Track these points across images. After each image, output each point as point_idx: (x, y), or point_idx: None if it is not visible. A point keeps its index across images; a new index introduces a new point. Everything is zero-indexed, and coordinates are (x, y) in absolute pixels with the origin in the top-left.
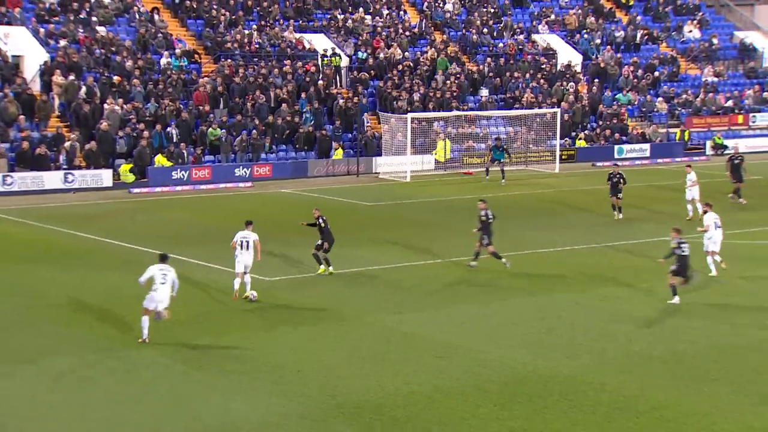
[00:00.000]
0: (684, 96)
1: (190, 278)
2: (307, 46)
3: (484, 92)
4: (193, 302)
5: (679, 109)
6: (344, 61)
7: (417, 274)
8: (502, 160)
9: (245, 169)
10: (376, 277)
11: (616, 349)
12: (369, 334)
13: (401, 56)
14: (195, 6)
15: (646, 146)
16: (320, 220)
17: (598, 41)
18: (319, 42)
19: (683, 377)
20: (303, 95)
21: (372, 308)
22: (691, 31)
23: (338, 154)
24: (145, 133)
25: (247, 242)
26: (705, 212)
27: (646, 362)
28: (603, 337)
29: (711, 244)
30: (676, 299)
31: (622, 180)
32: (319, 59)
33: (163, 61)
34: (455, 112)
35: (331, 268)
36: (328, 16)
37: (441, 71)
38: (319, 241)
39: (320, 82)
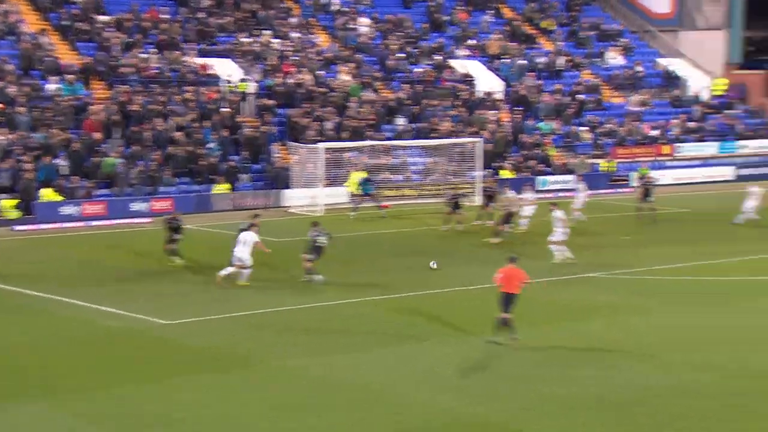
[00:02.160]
0: (608, 125)
1: (86, 321)
2: (212, 71)
3: (401, 121)
4: (82, 350)
5: (603, 138)
6: (251, 88)
7: (331, 314)
8: (372, 193)
9: (143, 204)
10: (286, 319)
11: (538, 393)
12: (277, 381)
13: (312, 82)
14: (86, 28)
15: (570, 178)
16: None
17: (522, 64)
18: (224, 67)
19: (611, 423)
20: (207, 123)
21: (281, 352)
22: (614, 58)
23: (225, 186)
24: (29, 165)
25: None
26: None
27: (569, 408)
28: (525, 381)
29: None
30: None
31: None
32: (224, 85)
33: (51, 86)
34: (370, 142)
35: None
36: (233, 40)
37: (355, 98)
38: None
39: (225, 109)
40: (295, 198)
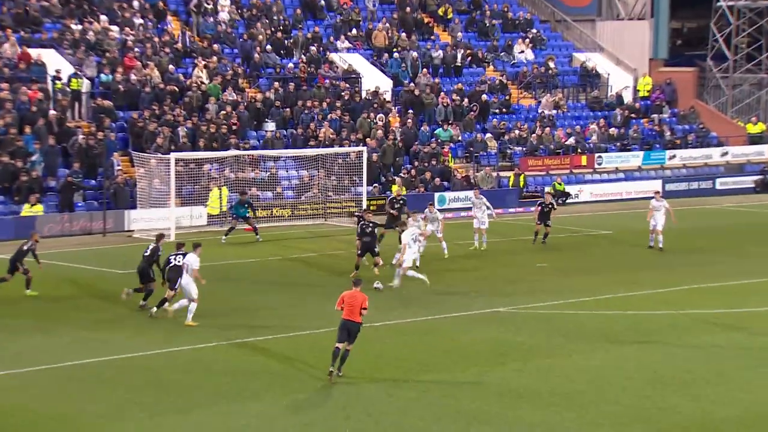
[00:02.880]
0: (516, 131)
1: None
2: (35, 65)
3: (270, 126)
4: None
5: (512, 147)
6: (85, 85)
7: (182, 360)
8: (247, 216)
9: None
10: (126, 368)
11: None
12: None
13: (161, 79)
14: None
15: (471, 194)
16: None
17: (415, 59)
18: (50, 60)
19: None
20: (28, 129)
21: (117, 412)
22: (522, 52)
23: (37, 208)
24: None
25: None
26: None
27: None
28: None
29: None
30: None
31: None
32: (50, 83)
33: None
34: (233, 152)
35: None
36: (61, 28)
37: (213, 99)
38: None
39: (52, 112)
40: (140, 220)
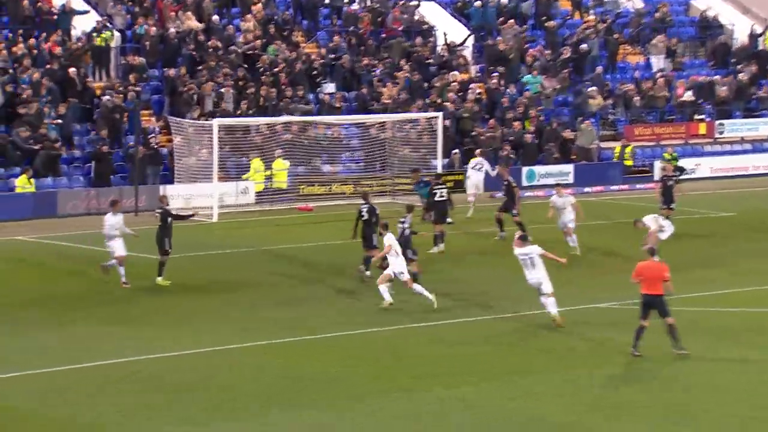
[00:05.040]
0: (621, 92)
1: None
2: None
3: (330, 88)
4: None
5: (614, 113)
6: (114, 39)
7: (216, 365)
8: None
9: None
10: (144, 372)
11: None
12: None
13: (202, 32)
14: None
15: (569, 168)
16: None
17: (500, 7)
18: (75, 8)
19: None
20: (44, 92)
21: (136, 420)
22: None
23: (22, 180)
24: None
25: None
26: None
27: None
28: None
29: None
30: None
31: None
32: (73, 35)
33: None
34: (286, 118)
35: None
36: None
37: (265, 56)
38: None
39: (72, 70)
40: (178, 197)
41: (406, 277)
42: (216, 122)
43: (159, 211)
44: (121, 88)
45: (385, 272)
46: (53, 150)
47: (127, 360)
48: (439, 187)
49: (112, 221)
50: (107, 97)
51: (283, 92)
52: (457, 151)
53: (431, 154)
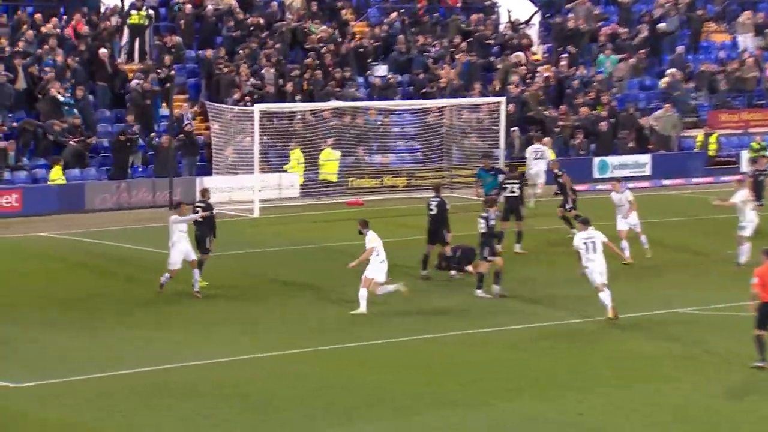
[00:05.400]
0: (704, 69)
1: None
2: None
3: (381, 70)
4: None
5: (696, 97)
6: (147, 18)
7: (255, 374)
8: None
9: None
10: (178, 381)
11: None
12: None
13: (241, 9)
14: None
15: (645, 159)
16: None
17: None
18: None
19: None
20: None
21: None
22: None
23: (57, 172)
24: None
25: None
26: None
27: None
28: None
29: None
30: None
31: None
32: (111, 13)
33: None
34: (336, 103)
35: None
36: None
37: (312, 36)
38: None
39: (104, 51)
40: (216, 190)
41: (381, 280)
42: (257, 108)
43: (200, 205)
44: (157, 71)
45: (366, 275)
46: (84, 139)
47: (160, 368)
48: (512, 182)
49: (181, 226)
50: (137, 81)
51: (331, 75)
52: (516, 129)
53: (493, 144)
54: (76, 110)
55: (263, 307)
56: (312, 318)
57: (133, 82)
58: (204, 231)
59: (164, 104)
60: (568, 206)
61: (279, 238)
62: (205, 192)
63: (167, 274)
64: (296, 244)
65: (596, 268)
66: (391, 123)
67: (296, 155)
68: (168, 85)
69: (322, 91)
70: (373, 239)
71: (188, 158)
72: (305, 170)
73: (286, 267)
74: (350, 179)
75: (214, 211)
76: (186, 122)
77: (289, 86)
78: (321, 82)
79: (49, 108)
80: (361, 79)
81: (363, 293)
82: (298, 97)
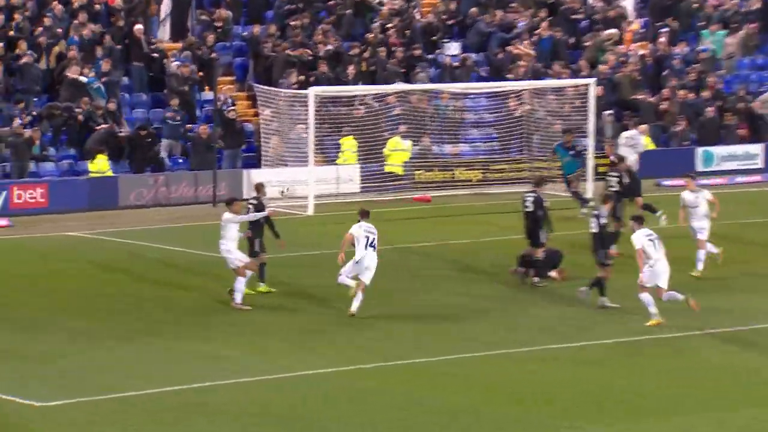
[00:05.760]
0: None
1: None
2: None
3: (453, 48)
4: None
5: None
6: None
7: (310, 392)
8: (575, 172)
9: None
10: (222, 399)
11: None
12: None
13: None
14: None
15: (757, 149)
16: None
17: None
18: None
19: None
20: (100, 50)
21: None
22: None
23: (100, 164)
24: None
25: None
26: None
27: None
28: None
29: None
30: None
31: None
32: None
33: None
34: (401, 86)
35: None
36: None
37: (384, 11)
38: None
39: (139, 27)
40: (266, 184)
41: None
42: (313, 92)
43: (253, 202)
44: (199, 50)
45: (345, 268)
46: (114, 126)
47: (202, 385)
48: (614, 175)
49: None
50: (177, 61)
51: (396, 54)
52: (610, 113)
53: (580, 131)
54: (104, 93)
55: (319, 317)
56: (376, 330)
57: (173, 63)
58: (256, 232)
59: (207, 88)
60: (638, 198)
61: (337, 238)
62: (260, 187)
63: (242, 278)
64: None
65: (660, 269)
66: (465, 108)
67: (349, 144)
68: (211, 65)
69: (386, 73)
70: (355, 228)
71: (230, 149)
72: (366, 162)
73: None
74: (417, 172)
75: (273, 207)
76: (227, 108)
77: (350, 68)
78: (384, 62)
79: (70, 93)
80: (429, 58)
81: (344, 279)
82: (356, 78)
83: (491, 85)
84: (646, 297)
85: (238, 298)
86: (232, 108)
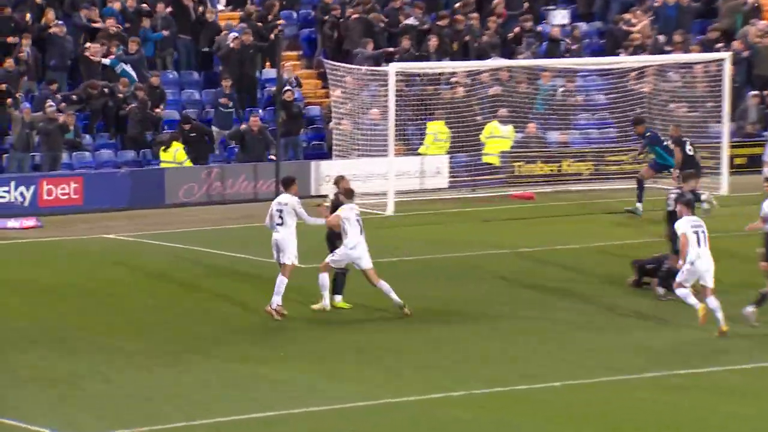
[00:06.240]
0: None
1: None
2: None
3: (561, 16)
4: None
5: None
6: None
7: (393, 422)
8: (669, 168)
9: (22, 189)
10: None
11: None
12: None
13: None
14: None
15: None
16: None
17: None
18: None
19: None
20: (147, 22)
21: None
22: None
23: (180, 154)
24: None
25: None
26: None
27: None
28: None
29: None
30: None
31: None
32: None
33: None
34: (497, 62)
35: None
36: None
37: None
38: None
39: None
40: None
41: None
42: (393, 68)
43: (333, 198)
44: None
45: (334, 256)
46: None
47: (264, 416)
48: None
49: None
50: (234, 33)
51: (489, 24)
52: (756, 94)
53: (712, 115)
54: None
55: (400, 336)
56: (470, 350)
57: (229, 35)
58: (336, 234)
59: (269, 65)
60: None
61: (421, 242)
62: (342, 180)
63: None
64: (446, 251)
65: (704, 265)
66: (575, 89)
67: (436, 128)
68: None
69: (479, 46)
70: (346, 209)
71: (287, 137)
72: (457, 151)
73: (433, 282)
74: (516, 164)
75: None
76: (287, 88)
77: (434, 40)
78: (478, 33)
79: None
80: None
81: (322, 280)
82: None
83: (607, 60)
84: (682, 291)
85: (275, 301)
86: (289, 89)
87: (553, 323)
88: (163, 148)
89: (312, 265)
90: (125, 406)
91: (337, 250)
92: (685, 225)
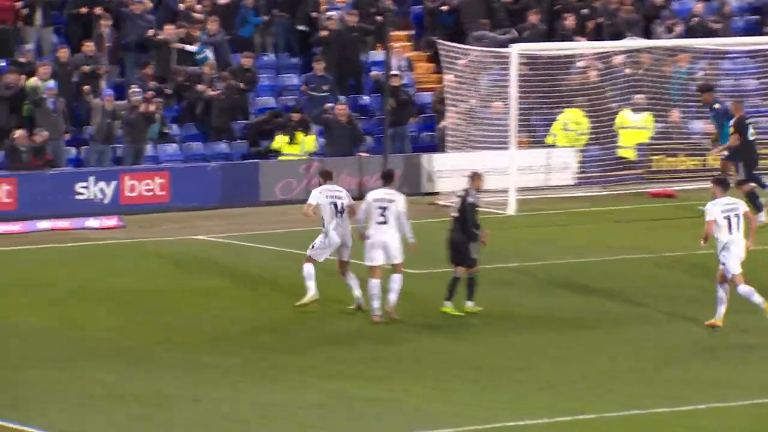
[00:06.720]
0: None
1: None
2: None
3: None
4: None
5: None
6: None
7: None
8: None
9: (102, 185)
10: None
11: None
12: None
13: None
14: None
15: None
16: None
17: None
18: None
19: None
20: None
21: None
22: None
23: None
24: None
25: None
26: None
27: None
28: None
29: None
30: None
31: None
32: None
33: None
34: (633, 42)
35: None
36: None
37: None
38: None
39: None
40: (451, 173)
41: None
42: (516, 49)
43: (461, 195)
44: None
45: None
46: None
47: None
48: None
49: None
50: (334, 12)
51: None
52: None
53: None
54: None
55: (516, 351)
56: (596, 366)
57: (333, 13)
58: (467, 233)
59: (378, 46)
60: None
61: (549, 245)
62: (477, 177)
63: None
64: (578, 255)
65: (736, 252)
66: (721, 73)
67: (569, 116)
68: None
69: (613, 27)
70: (315, 195)
71: (394, 126)
72: (588, 143)
73: (557, 289)
74: (655, 158)
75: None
76: (399, 72)
77: (569, 19)
78: (611, 11)
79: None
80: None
81: (307, 270)
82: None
83: (756, 41)
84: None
85: (392, 300)
86: (395, 73)
87: (698, 336)
88: (287, 140)
89: (422, 271)
90: (216, 429)
91: (316, 240)
92: (715, 210)
